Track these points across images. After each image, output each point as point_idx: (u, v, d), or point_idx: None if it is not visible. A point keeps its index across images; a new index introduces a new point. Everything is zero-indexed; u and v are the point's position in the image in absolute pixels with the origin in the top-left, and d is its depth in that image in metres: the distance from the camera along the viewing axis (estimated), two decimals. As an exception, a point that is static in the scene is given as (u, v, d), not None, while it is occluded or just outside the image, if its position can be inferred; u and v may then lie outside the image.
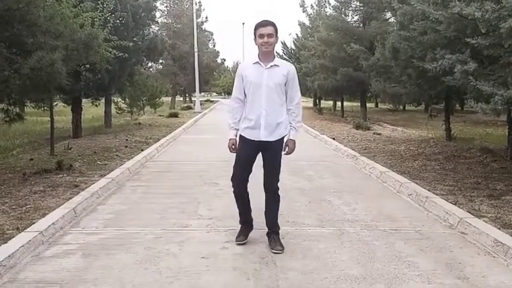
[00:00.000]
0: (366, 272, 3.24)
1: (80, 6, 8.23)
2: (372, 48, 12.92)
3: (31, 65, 5.73)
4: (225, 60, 43.35)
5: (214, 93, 59.97)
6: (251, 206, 3.86)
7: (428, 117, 18.84)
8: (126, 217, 4.61)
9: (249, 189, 3.76)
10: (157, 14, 21.72)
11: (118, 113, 19.14)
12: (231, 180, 3.78)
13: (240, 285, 3.05)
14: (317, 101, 30.30)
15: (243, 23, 76.46)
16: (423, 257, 3.53)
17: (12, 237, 3.73)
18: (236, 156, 3.73)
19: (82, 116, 12.43)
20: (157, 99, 22.58)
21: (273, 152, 3.68)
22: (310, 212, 4.81)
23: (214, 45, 40.69)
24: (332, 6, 20.13)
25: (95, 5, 9.16)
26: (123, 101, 19.77)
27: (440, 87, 7.61)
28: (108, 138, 11.33)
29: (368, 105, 21.58)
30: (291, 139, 3.73)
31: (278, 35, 3.61)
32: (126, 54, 10.56)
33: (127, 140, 11.03)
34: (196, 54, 27.79)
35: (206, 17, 37.13)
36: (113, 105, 17.04)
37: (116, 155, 8.42)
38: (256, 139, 3.62)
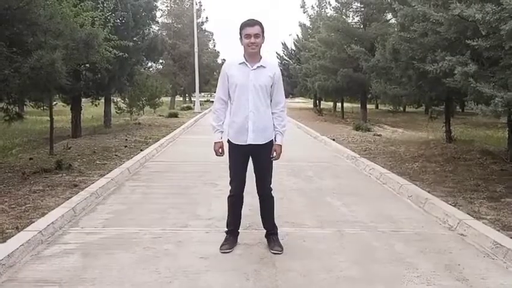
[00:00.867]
0: (366, 273, 3.23)
1: (81, 6, 8.22)
2: (373, 50, 12.93)
3: (31, 64, 5.72)
4: (225, 60, 43.18)
5: (214, 94, 59.98)
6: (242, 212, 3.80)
7: (429, 119, 18.81)
8: (125, 217, 4.61)
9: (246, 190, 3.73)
10: (158, 14, 21.68)
11: (117, 112, 19.14)
12: (230, 184, 3.71)
13: (239, 285, 3.04)
14: (317, 102, 30.32)
15: (244, 24, 76.58)
16: (422, 259, 3.52)
17: (12, 236, 3.72)
18: (229, 161, 3.65)
19: (82, 115, 12.42)
20: (157, 99, 22.58)
21: (263, 155, 3.58)
22: (309, 213, 4.81)
23: (214, 46, 40.75)
24: (333, 7, 20.14)
25: (96, 4, 9.16)
26: (123, 101, 19.76)
27: (441, 89, 7.61)
28: (107, 138, 11.32)
29: (368, 106, 21.58)
30: (278, 144, 3.59)
31: (265, 34, 3.50)
32: (126, 54, 10.55)
33: (126, 139, 11.03)
34: (196, 54, 27.78)
35: (206, 17, 37.18)
36: (112, 105, 17.04)
37: (116, 155, 8.41)
38: (244, 143, 3.53)
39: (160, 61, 27.73)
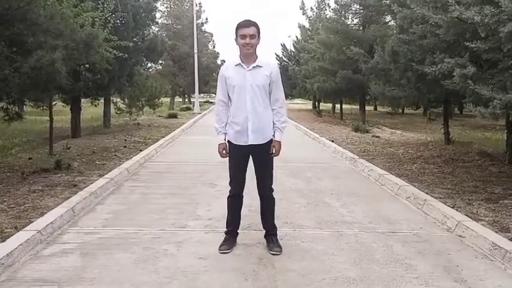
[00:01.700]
0: (364, 274, 3.24)
1: (81, 6, 8.23)
2: (372, 51, 12.95)
3: (31, 64, 5.73)
4: (224, 61, 43.25)
5: (214, 95, 60.07)
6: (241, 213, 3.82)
7: (427, 120, 18.87)
8: (124, 217, 4.61)
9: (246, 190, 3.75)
10: (157, 15, 21.72)
11: (117, 113, 19.14)
12: (229, 184, 3.72)
13: (238, 286, 3.05)
14: (316, 103, 30.33)
15: (243, 25, 76.60)
16: (421, 260, 3.53)
17: (11, 235, 3.73)
18: (228, 162, 3.67)
19: (81, 115, 12.42)
20: (156, 99, 22.57)
21: (263, 154, 3.60)
22: (308, 213, 4.82)
23: (214, 47, 40.76)
24: (332, 9, 20.17)
25: (96, 4, 9.17)
26: (122, 101, 19.75)
27: (439, 91, 7.62)
28: (107, 138, 11.33)
29: (367, 108, 21.61)
30: (276, 140, 3.61)
31: (261, 35, 3.51)
32: (126, 55, 10.55)
33: (125, 140, 11.03)
34: (195, 55, 27.79)
35: (206, 18, 37.22)
36: (112, 106, 17.03)
37: (115, 155, 8.42)
38: (244, 144, 3.55)
39: (160, 62, 27.69)
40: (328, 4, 23.88)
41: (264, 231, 3.79)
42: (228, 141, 3.63)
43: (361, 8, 17.81)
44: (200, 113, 24.85)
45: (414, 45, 7.14)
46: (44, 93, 7.43)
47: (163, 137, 11.99)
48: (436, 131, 12.92)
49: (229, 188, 3.73)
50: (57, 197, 5.13)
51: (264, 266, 3.38)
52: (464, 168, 7.27)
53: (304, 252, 3.67)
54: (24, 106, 12.08)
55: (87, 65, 9.71)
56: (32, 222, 4.11)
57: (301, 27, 30.14)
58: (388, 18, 15.67)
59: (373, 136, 12.95)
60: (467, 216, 4.49)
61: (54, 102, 12.44)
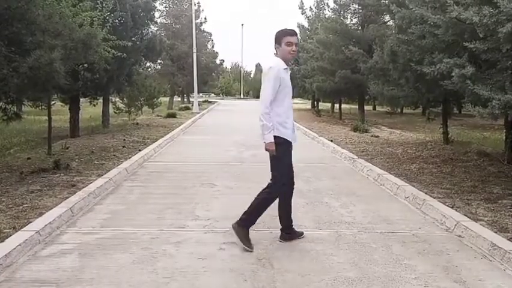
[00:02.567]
0: (363, 274, 3.24)
1: (79, 6, 8.21)
2: (371, 51, 12.97)
3: (30, 63, 5.72)
4: (223, 61, 43.13)
5: (213, 94, 59.96)
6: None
7: (426, 120, 18.88)
8: (123, 217, 4.61)
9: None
10: (156, 14, 21.70)
11: (115, 112, 19.12)
12: (281, 179, 3.80)
13: (236, 286, 3.04)
14: (315, 103, 30.34)
15: (242, 24, 76.72)
16: (420, 260, 3.53)
17: (9, 236, 3.72)
18: (281, 159, 3.76)
19: (80, 115, 12.40)
20: (155, 99, 22.53)
21: None
22: (307, 213, 4.82)
23: (213, 46, 40.63)
24: (331, 9, 20.19)
25: (94, 4, 9.15)
26: (121, 101, 19.73)
27: (438, 91, 7.63)
28: (106, 137, 11.30)
29: (366, 107, 21.62)
30: None
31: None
32: (124, 54, 10.53)
33: (124, 140, 11.01)
34: (194, 54, 27.74)
35: (205, 18, 37.03)
36: (111, 105, 17.00)
37: (114, 155, 8.40)
38: (293, 141, 3.88)
39: (159, 61, 27.67)
40: (327, 4, 23.87)
41: (263, 231, 3.81)
42: (284, 139, 3.75)
43: (360, 7, 17.81)
44: (199, 113, 24.82)
45: (413, 45, 7.14)
46: (43, 93, 7.43)
47: (162, 136, 11.97)
48: (435, 130, 12.92)
49: (281, 183, 3.82)
50: (55, 197, 5.12)
51: (263, 266, 3.38)
52: (463, 168, 7.28)
53: (304, 252, 3.67)
54: (23, 106, 12.07)
55: (86, 65, 9.69)
56: (31, 222, 4.10)
57: (301, 26, 30.12)
58: (387, 18, 15.68)
59: (372, 136, 12.95)
60: (466, 216, 4.49)
61: (53, 102, 12.45)
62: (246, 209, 3.78)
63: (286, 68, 3.82)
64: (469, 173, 6.93)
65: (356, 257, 3.57)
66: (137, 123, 16.40)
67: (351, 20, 18.81)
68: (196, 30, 29.18)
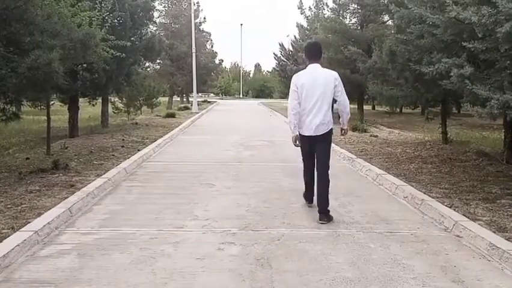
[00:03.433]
0: (361, 274, 3.25)
1: (78, 6, 8.20)
2: (370, 51, 12.96)
3: (28, 63, 5.71)
4: (222, 61, 43.10)
5: (212, 94, 59.93)
6: None
7: (425, 120, 18.86)
8: (122, 217, 4.61)
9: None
10: (155, 14, 21.74)
11: (114, 112, 19.10)
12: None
13: (235, 286, 3.05)
14: (314, 102, 30.28)
15: (241, 24, 76.76)
16: (418, 260, 3.54)
17: (7, 236, 3.72)
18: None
19: (79, 115, 12.39)
20: (154, 99, 22.50)
21: None
22: (306, 213, 4.82)
23: (212, 46, 40.62)
24: (330, 9, 20.16)
25: (93, 4, 9.14)
26: (120, 101, 19.71)
27: (437, 91, 7.63)
28: (105, 137, 11.30)
29: (365, 107, 21.61)
30: None
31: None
32: (123, 54, 10.52)
33: (123, 139, 11.00)
34: (194, 54, 27.72)
35: (204, 18, 37.01)
36: (110, 105, 16.98)
37: (113, 155, 8.40)
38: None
39: (158, 61, 27.65)
40: (326, 4, 23.82)
41: (263, 231, 3.82)
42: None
43: (359, 7, 17.80)
44: (198, 113, 24.81)
45: (411, 45, 7.14)
46: (41, 93, 7.42)
47: (161, 136, 11.96)
48: (434, 130, 12.92)
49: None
50: (54, 197, 5.12)
51: (261, 266, 3.38)
52: (462, 168, 7.29)
53: (302, 252, 3.67)
54: (22, 106, 12.04)
55: (85, 65, 9.67)
56: (29, 222, 4.10)
57: (300, 26, 30.16)
58: (386, 18, 15.68)
59: (371, 136, 12.95)
60: (464, 216, 4.50)
61: (51, 102, 12.44)
62: (325, 196, 4.50)
63: None
64: (468, 172, 6.94)
65: (354, 257, 3.57)
66: (136, 123, 16.38)
67: (350, 20, 18.81)
68: (195, 30, 29.18)
